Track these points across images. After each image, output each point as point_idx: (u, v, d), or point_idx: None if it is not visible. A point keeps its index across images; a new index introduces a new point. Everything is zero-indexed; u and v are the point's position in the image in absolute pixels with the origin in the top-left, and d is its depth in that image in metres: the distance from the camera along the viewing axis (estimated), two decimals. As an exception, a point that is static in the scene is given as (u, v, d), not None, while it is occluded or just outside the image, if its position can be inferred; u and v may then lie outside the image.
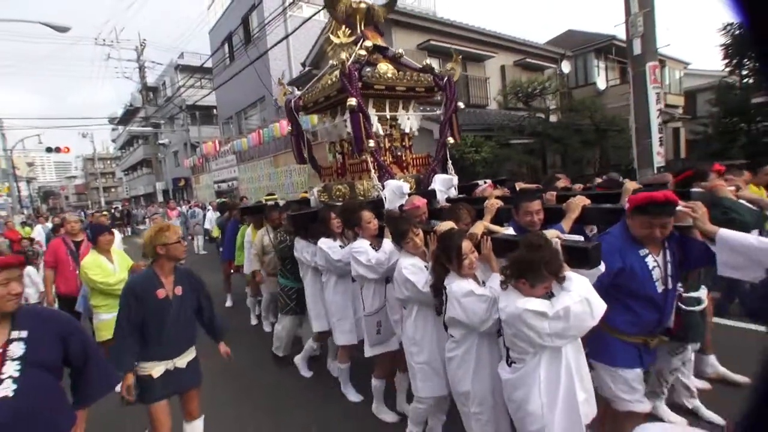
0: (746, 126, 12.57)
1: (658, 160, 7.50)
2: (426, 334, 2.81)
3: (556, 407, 2.00)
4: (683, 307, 2.61)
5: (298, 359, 4.47)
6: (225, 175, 18.76)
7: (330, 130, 4.75)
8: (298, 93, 4.92)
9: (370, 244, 3.29)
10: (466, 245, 2.40)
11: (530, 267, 2.01)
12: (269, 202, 5.25)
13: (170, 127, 28.46)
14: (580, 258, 2.14)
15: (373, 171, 4.22)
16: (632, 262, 2.32)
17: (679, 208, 2.31)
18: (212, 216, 11.83)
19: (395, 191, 3.93)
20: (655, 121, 6.83)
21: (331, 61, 4.54)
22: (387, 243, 3.15)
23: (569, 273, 2.05)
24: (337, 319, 3.78)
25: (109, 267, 4.09)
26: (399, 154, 4.65)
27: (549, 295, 2.05)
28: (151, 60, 25.33)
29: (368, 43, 4.35)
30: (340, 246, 3.66)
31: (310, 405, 3.85)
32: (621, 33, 9.37)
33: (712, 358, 3.56)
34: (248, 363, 4.73)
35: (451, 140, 4.55)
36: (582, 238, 2.57)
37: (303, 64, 17.90)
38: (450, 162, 4.68)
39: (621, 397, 2.43)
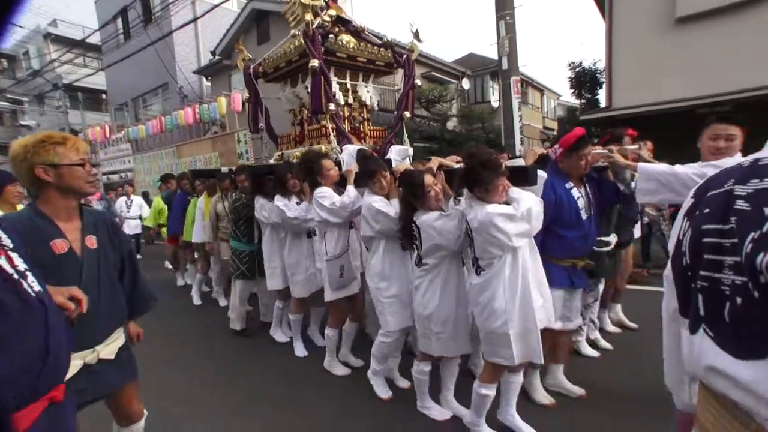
0: None
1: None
2: (394, 268, 2.94)
3: (516, 303, 2.27)
4: (594, 248, 3.10)
5: (273, 329, 4.35)
6: (117, 166, 17.00)
7: (290, 97, 4.75)
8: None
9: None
10: (428, 179, 2.58)
11: (473, 173, 2.26)
12: (223, 170, 5.07)
13: (39, 107, 24.78)
14: (520, 176, 2.45)
15: (332, 135, 4.32)
16: (561, 193, 2.76)
17: (597, 151, 2.85)
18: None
19: (353, 154, 4.02)
20: (517, 124, 8.00)
21: (292, 31, 4.57)
22: (351, 189, 3.26)
23: (512, 188, 2.32)
24: (292, 273, 3.86)
25: None
26: (357, 125, 4.81)
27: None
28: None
29: (332, 12, 4.48)
30: (297, 203, 3.70)
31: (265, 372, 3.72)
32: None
33: (618, 306, 4.25)
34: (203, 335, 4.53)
35: (407, 114, 4.81)
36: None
37: (213, 53, 17.17)
38: (406, 135, 4.94)
39: None
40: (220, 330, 4.65)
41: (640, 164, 2.67)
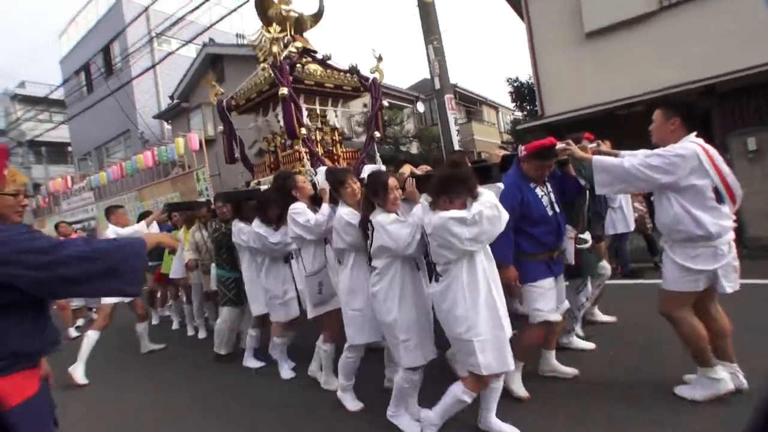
0: None
1: (462, 171, 9.26)
2: (361, 282, 2.91)
3: (479, 311, 2.30)
4: (578, 246, 3.25)
5: (246, 357, 4.30)
6: (80, 216, 16.61)
7: (262, 126, 4.91)
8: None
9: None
10: (392, 181, 2.65)
11: (450, 182, 2.32)
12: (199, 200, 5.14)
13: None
14: (484, 174, 2.62)
15: (305, 158, 4.48)
16: (526, 193, 2.90)
17: (558, 146, 2.89)
18: None
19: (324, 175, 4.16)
20: (455, 139, 8.33)
21: (262, 64, 4.77)
22: (325, 206, 3.27)
23: (480, 189, 2.37)
24: (270, 297, 3.86)
25: None
26: (330, 148, 4.99)
27: None
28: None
29: (298, 44, 4.73)
30: (274, 229, 3.72)
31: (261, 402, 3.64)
32: (461, 80, 11.33)
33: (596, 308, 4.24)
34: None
35: (377, 134, 5.04)
36: None
37: (171, 97, 17.31)
38: (378, 155, 5.16)
39: (538, 308, 2.88)
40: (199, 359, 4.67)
41: (594, 156, 2.80)
